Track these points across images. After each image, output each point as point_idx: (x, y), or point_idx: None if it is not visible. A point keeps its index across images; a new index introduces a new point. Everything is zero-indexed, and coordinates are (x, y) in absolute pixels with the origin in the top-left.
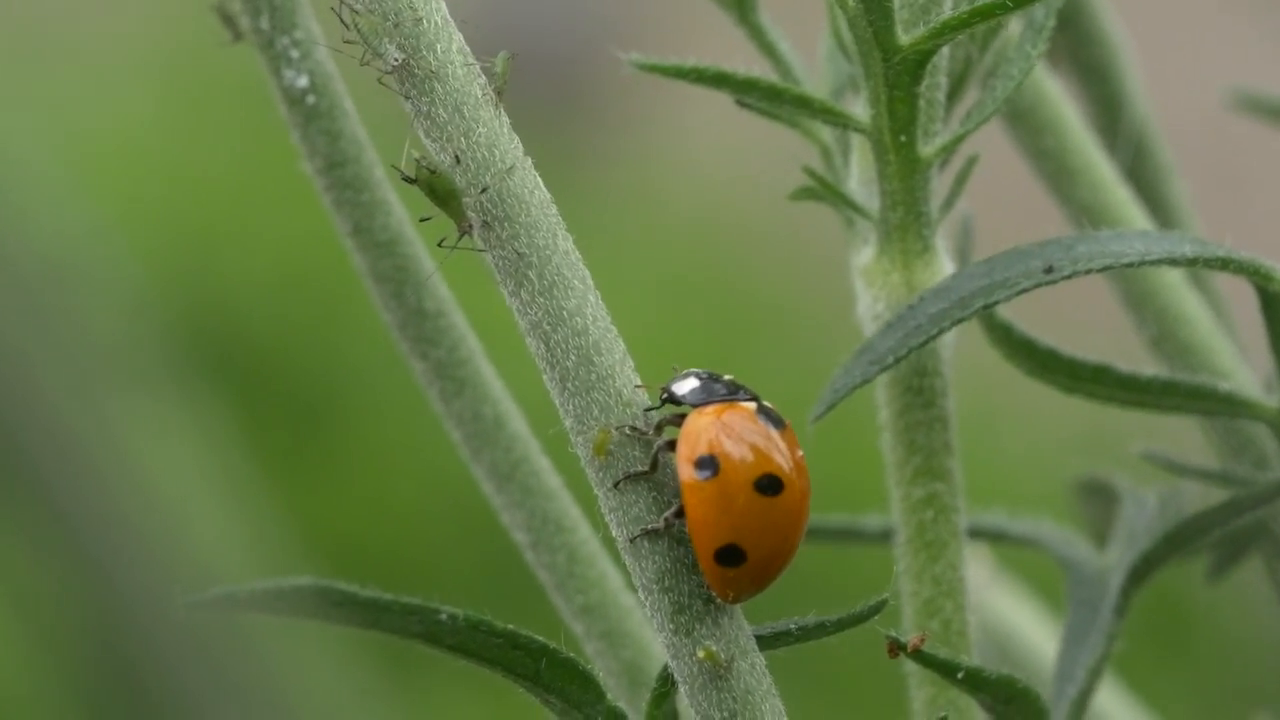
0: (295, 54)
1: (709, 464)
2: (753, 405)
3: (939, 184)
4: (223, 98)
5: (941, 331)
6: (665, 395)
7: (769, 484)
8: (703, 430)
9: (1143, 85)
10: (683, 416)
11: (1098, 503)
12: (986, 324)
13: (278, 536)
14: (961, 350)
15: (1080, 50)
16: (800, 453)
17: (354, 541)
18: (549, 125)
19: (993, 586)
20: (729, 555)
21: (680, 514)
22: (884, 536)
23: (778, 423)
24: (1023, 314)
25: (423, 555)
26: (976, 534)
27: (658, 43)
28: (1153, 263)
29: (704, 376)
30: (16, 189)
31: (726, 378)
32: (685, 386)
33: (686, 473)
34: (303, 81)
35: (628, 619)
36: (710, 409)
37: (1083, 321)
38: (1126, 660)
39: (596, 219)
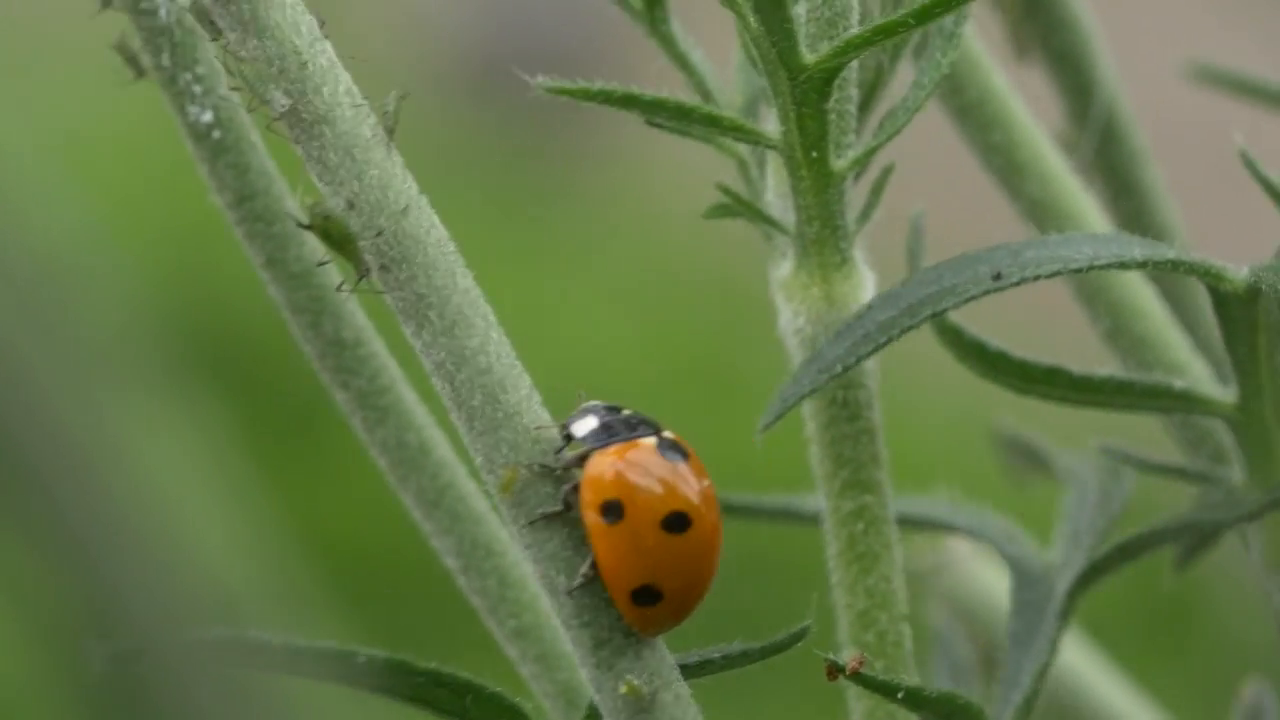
0: (198, 89)
1: (614, 508)
2: (653, 440)
3: (857, 193)
4: None
5: (891, 339)
6: (565, 434)
7: (677, 521)
8: (604, 473)
9: (1119, 72)
10: (587, 456)
11: (1022, 456)
12: (938, 327)
13: (275, 535)
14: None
15: (1050, 37)
16: (708, 482)
17: (351, 540)
18: (546, 124)
19: (975, 559)
20: (644, 595)
21: (594, 564)
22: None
23: (682, 454)
24: (975, 305)
25: (420, 554)
26: (918, 524)
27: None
28: (1102, 267)
29: (603, 413)
30: (12, 188)
31: (625, 413)
32: (584, 427)
33: (592, 518)
34: (207, 117)
35: (561, 641)
36: (611, 450)
37: (1039, 306)
38: (1126, 658)
39: (593, 219)
